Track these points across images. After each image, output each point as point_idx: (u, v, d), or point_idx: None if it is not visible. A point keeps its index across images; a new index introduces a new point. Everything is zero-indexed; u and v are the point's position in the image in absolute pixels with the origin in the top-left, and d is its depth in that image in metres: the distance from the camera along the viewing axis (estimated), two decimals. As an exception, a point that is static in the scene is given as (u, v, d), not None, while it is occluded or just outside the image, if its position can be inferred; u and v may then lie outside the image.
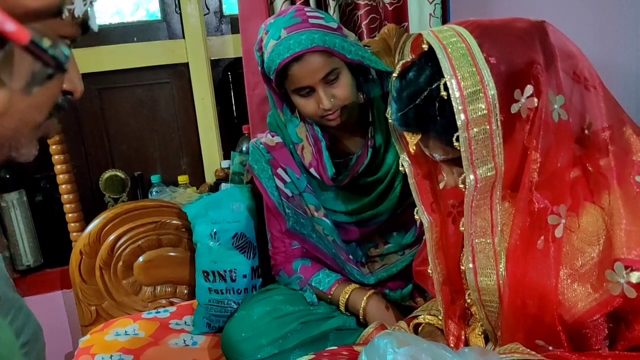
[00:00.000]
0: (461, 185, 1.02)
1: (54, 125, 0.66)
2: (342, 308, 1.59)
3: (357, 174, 1.56)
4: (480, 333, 1.20)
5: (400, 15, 2.02)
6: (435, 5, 1.99)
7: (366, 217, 1.62)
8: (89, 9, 0.60)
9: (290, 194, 1.61)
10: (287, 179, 1.62)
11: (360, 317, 1.56)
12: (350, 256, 1.62)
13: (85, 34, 0.63)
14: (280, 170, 1.62)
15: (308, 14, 1.44)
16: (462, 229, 1.10)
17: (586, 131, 1.03)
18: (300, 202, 1.62)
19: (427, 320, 1.28)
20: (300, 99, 1.46)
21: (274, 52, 1.40)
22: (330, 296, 1.60)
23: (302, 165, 1.61)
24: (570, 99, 1.00)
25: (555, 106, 0.97)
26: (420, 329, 1.30)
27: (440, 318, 1.26)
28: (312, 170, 1.59)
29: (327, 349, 1.33)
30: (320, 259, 1.65)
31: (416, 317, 1.32)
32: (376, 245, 1.68)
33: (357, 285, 1.60)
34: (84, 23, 0.61)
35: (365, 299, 1.55)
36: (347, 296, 1.57)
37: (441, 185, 1.15)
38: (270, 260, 1.71)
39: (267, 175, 1.62)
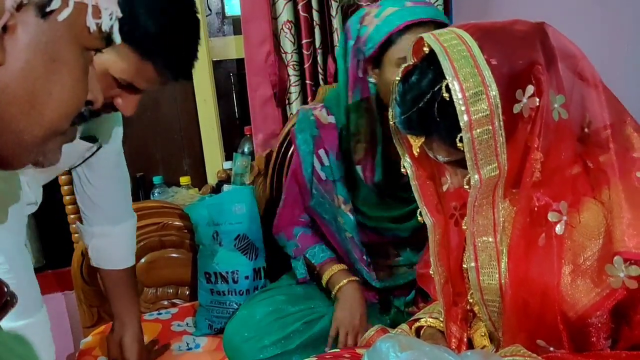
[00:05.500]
0: (466, 186, 1.03)
1: (74, 132, 0.69)
2: (322, 283, 1.59)
3: (398, 185, 1.53)
4: (483, 334, 1.20)
5: (402, 16, 2.02)
6: (437, 7, 1.99)
7: (386, 228, 1.60)
8: (114, 23, 0.63)
9: (324, 178, 1.58)
10: (326, 162, 1.59)
11: (332, 295, 1.57)
12: (364, 257, 1.61)
13: (109, 46, 0.65)
14: (322, 152, 1.59)
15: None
16: (464, 227, 1.11)
17: (586, 129, 1.04)
18: (332, 189, 1.59)
19: (428, 323, 1.28)
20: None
21: (395, 15, 1.38)
22: (317, 270, 1.61)
23: (347, 154, 1.57)
24: (571, 98, 1.01)
25: (556, 105, 0.99)
26: (422, 332, 1.29)
27: (442, 320, 1.26)
28: (358, 167, 1.56)
29: (329, 351, 1.33)
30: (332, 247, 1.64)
31: (418, 320, 1.31)
32: (388, 255, 1.67)
33: (345, 267, 1.60)
34: (108, 36, 0.63)
35: (345, 281, 1.56)
36: (331, 274, 1.58)
37: (444, 188, 1.16)
38: (274, 219, 1.71)
39: (308, 149, 1.59)
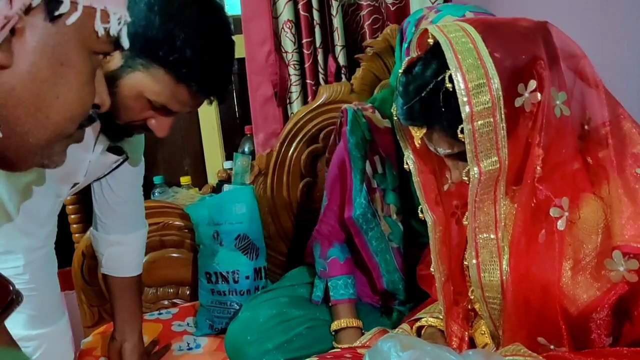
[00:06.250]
0: (465, 178, 1.04)
1: (81, 134, 0.69)
2: (332, 328, 1.54)
3: None
4: (483, 332, 1.20)
5: (402, 15, 2.02)
6: (437, 5, 1.99)
7: (420, 242, 1.50)
8: (123, 27, 0.63)
9: (374, 186, 1.50)
10: (380, 170, 1.51)
11: (332, 341, 1.53)
12: (405, 266, 1.55)
13: (117, 50, 0.65)
14: (376, 158, 1.50)
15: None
16: (465, 222, 1.11)
17: (586, 127, 1.05)
18: (380, 197, 1.52)
19: (429, 323, 1.28)
20: None
21: None
22: (331, 303, 1.56)
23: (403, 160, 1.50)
24: (572, 96, 1.02)
25: (558, 102, 0.99)
26: (422, 331, 1.29)
27: (442, 318, 1.26)
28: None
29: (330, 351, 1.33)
30: (359, 257, 1.57)
31: (419, 319, 1.31)
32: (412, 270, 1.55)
33: (358, 325, 1.53)
34: (116, 40, 0.63)
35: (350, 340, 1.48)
36: (341, 327, 1.52)
37: (445, 187, 1.16)
38: (316, 225, 1.60)
39: (360, 154, 1.48)
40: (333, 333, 1.55)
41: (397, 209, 1.54)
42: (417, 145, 1.09)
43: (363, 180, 1.48)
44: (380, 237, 1.53)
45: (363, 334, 1.51)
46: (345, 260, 1.58)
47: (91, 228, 1.59)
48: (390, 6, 2.00)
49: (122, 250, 1.53)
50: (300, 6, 1.94)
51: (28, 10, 0.56)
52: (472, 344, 1.22)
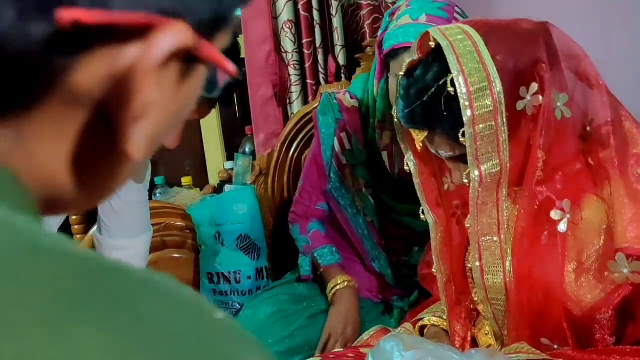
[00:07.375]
0: (465, 181, 1.04)
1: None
2: (328, 289, 1.56)
3: None
4: (487, 332, 1.20)
5: (402, 15, 2.02)
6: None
7: (404, 221, 1.58)
8: None
9: (344, 162, 1.56)
10: (347, 146, 1.57)
11: (329, 300, 1.55)
12: (383, 242, 1.59)
13: None
14: (344, 135, 1.57)
15: (455, 14, 1.36)
16: (467, 226, 1.11)
17: (588, 128, 1.05)
18: (351, 173, 1.57)
19: (432, 322, 1.28)
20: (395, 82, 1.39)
21: (403, 29, 1.32)
22: (320, 271, 1.59)
23: (372, 141, 1.55)
24: (573, 97, 1.02)
25: (559, 104, 0.99)
26: (425, 331, 1.30)
27: (445, 318, 1.26)
28: (384, 153, 1.53)
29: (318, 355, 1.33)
30: (344, 236, 1.61)
31: (421, 319, 1.32)
32: (395, 252, 1.63)
33: (351, 281, 1.55)
34: None
35: (348, 297, 1.52)
36: (336, 285, 1.54)
37: (445, 187, 1.16)
38: (291, 207, 1.68)
39: (330, 132, 1.57)
40: (330, 299, 1.55)
41: (366, 182, 1.57)
42: (418, 148, 1.08)
43: (332, 156, 1.55)
44: (357, 212, 1.57)
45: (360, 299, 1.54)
46: (325, 232, 1.63)
47: (94, 230, 1.59)
48: (390, 5, 2.00)
49: (126, 254, 1.53)
50: (300, 6, 1.94)
51: None
52: (474, 344, 1.22)
